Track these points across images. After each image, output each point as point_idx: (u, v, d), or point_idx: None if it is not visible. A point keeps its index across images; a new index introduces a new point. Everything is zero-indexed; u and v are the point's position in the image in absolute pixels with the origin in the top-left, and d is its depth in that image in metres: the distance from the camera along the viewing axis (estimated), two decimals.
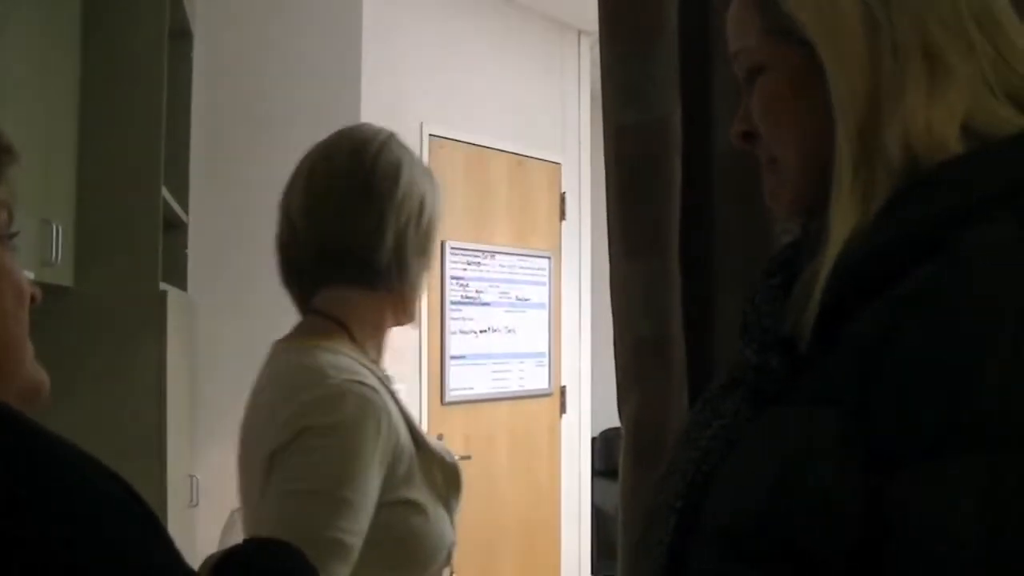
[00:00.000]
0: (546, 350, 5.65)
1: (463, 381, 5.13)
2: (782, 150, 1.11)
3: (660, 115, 1.77)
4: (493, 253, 5.30)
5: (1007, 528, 0.81)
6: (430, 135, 4.91)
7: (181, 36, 3.89)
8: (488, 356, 5.29)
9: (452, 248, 5.04)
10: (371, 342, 1.86)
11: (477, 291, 5.22)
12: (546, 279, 5.64)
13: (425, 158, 4.83)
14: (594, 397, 5.96)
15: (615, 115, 1.83)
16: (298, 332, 1.86)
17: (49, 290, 2.80)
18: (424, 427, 4.71)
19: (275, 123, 4.27)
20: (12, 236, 1.10)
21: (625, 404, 1.83)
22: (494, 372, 5.33)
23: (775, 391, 1.01)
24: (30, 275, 2.67)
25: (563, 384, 5.76)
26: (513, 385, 5.44)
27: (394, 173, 1.81)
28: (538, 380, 5.60)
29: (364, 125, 1.91)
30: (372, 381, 1.69)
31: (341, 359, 1.72)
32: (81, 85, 3.22)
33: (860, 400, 0.90)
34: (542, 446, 5.63)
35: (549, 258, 5.65)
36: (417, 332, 4.80)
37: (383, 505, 1.62)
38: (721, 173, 1.77)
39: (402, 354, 4.71)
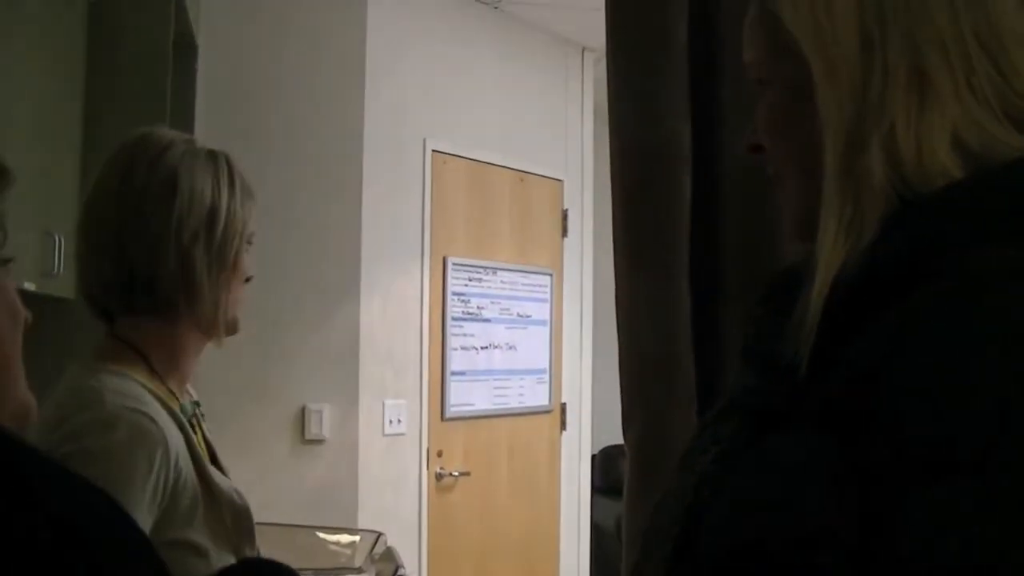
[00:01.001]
0: (547, 367, 5.64)
1: (463, 397, 5.11)
2: (783, 165, 1.10)
3: (668, 131, 1.76)
4: (495, 269, 5.29)
5: (994, 555, 0.79)
6: (433, 151, 4.91)
7: (186, 49, 3.88)
8: (489, 372, 5.28)
9: (454, 264, 5.03)
10: (172, 372, 1.75)
11: (478, 307, 5.20)
12: (547, 296, 5.63)
13: (428, 174, 4.84)
14: (595, 414, 5.94)
15: (623, 131, 1.82)
16: (93, 354, 1.73)
17: (50, 302, 2.80)
18: (424, 443, 4.74)
19: (277, 138, 4.26)
20: (6, 261, 1.09)
21: (630, 424, 1.81)
22: (495, 388, 5.31)
23: (775, 416, 1.00)
24: (31, 287, 2.67)
25: (563, 401, 5.75)
26: (513, 401, 5.42)
27: (166, 189, 1.68)
28: (538, 397, 5.59)
29: (145, 135, 1.77)
30: (156, 412, 1.60)
31: (127, 385, 1.62)
32: (85, 95, 3.22)
33: (856, 425, 0.88)
34: (542, 463, 5.61)
35: (551, 275, 5.64)
36: (418, 348, 4.80)
37: (157, 545, 1.43)
38: (730, 190, 1.76)
39: (403, 369, 4.71)
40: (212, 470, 1.69)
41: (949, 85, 0.97)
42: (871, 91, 0.98)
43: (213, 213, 1.71)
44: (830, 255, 0.97)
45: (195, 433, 1.74)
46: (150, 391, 1.64)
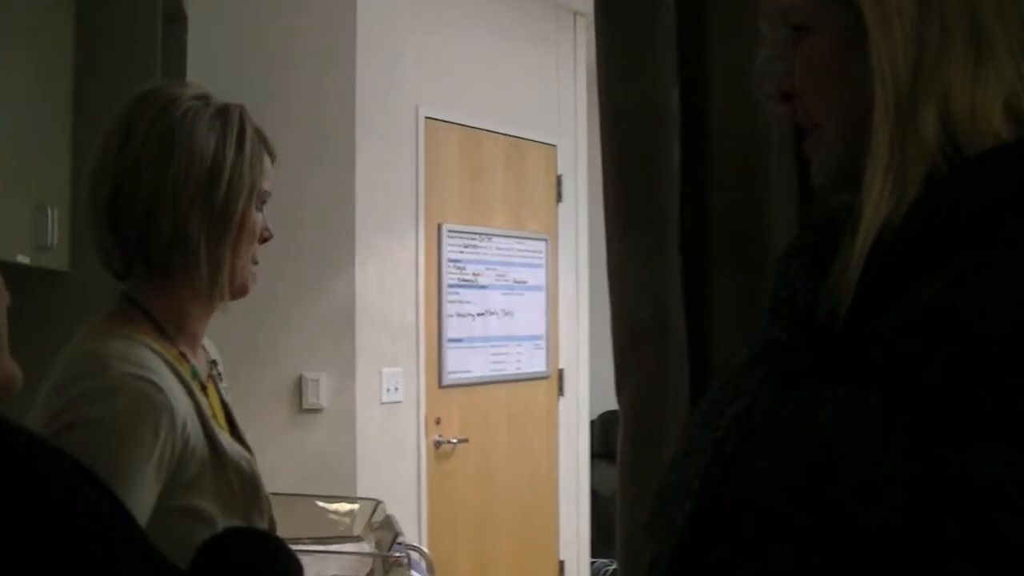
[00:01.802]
0: (543, 333, 5.64)
1: (460, 364, 5.12)
2: (822, 116, 1.09)
3: (658, 94, 1.76)
4: (490, 236, 5.29)
5: None
6: (426, 117, 4.90)
7: (175, 20, 3.87)
8: (485, 339, 5.29)
9: (448, 231, 5.03)
10: (181, 334, 1.71)
11: (474, 274, 5.21)
12: (543, 261, 5.63)
13: (421, 141, 4.82)
14: (592, 380, 5.96)
15: (611, 95, 1.82)
16: (104, 314, 1.70)
17: (44, 275, 2.81)
18: (421, 411, 4.75)
19: (269, 108, 4.23)
20: None
21: (623, 386, 1.82)
22: (491, 355, 5.32)
23: (804, 369, 0.99)
24: (25, 260, 2.67)
25: (561, 367, 5.76)
26: (510, 368, 5.44)
27: (162, 150, 1.62)
28: (536, 363, 5.60)
29: (149, 93, 1.71)
30: (162, 377, 1.56)
31: (134, 349, 1.57)
32: (75, 68, 3.20)
33: (908, 377, 0.88)
34: (540, 429, 5.63)
35: (546, 240, 5.64)
36: (414, 315, 4.80)
37: (163, 511, 1.51)
38: (718, 153, 1.77)
39: (399, 337, 4.72)
40: (221, 435, 1.66)
41: (1004, 47, 0.97)
42: (928, 47, 0.98)
43: (215, 173, 1.64)
44: (875, 208, 0.97)
45: (207, 395, 1.71)
46: (158, 354, 1.60)
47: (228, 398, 1.86)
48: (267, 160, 1.76)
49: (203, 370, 1.77)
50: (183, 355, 1.70)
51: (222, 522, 1.57)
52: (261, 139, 1.75)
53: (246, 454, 1.71)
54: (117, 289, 1.72)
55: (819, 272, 1.03)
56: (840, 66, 1.06)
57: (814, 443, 0.92)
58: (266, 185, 1.74)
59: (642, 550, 1.14)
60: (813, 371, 0.98)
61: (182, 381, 1.62)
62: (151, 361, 1.57)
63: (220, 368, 1.87)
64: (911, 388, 0.88)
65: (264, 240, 1.76)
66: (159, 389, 1.52)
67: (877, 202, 0.97)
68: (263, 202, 1.75)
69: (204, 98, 1.70)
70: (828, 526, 0.88)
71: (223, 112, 1.70)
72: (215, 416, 1.70)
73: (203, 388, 1.71)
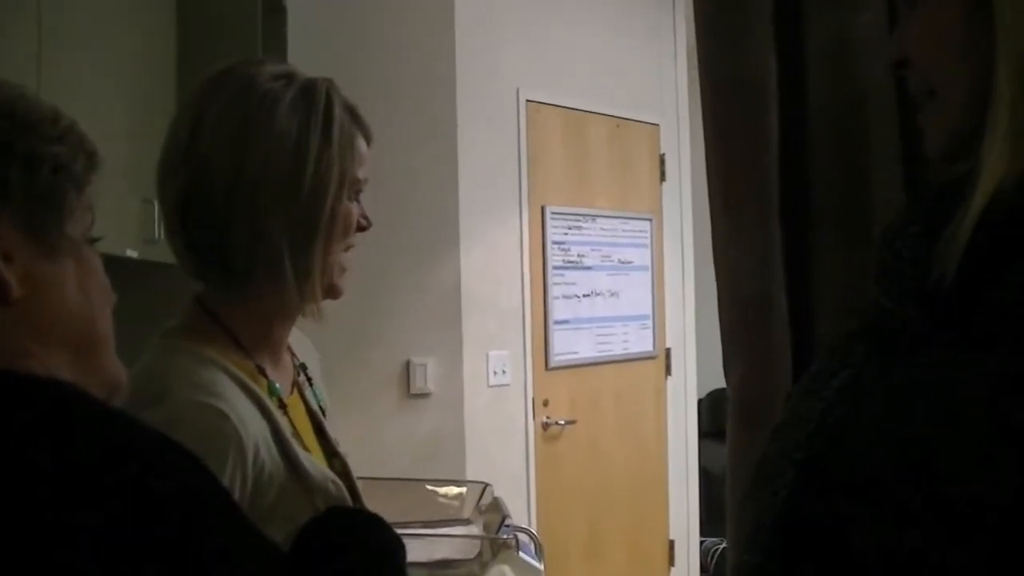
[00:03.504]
0: (650, 312, 5.61)
1: (567, 346, 5.12)
2: (942, 83, 1.06)
3: (757, 69, 1.74)
4: (594, 216, 5.27)
5: None
6: (527, 100, 4.89)
7: (276, 11, 3.92)
8: (591, 320, 5.27)
9: (552, 213, 5.02)
10: (260, 346, 1.54)
11: (579, 255, 5.19)
12: (647, 241, 5.60)
13: (522, 124, 4.82)
14: (699, 358, 5.91)
15: (712, 70, 1.80)
16: (179, 324, 1.53)
17: (151, 267, 2.86)
18: (529, 393, 4.76)
19: (370, 96, 4.26)
20: (95, 240, 1.13)
21: (731, 366, 1.80)
22: (598, 336, 5.31)
23: (912, 338, 0.97)
24: (134, 254, 2.72)
25: (668, 346, 5.72)
26: (617, 348, 5.42)
27: (237, 143, 1.43)
28: (643, 343, 5.57)
29: (222, 74, 1.51)
30: (232, 401, 1.38)
31: (200, 370, 1.40)
32: (178, 63, 3.26)
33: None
34: (648, 409, 5.61)
35: (650, 220, 5.60)
36: (520, 298, 4.81)
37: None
38: (817, 126, 1.74)
39: (505, 320, 4.73)
40: (304, 457, 1.48)
41: None
42: None
43: (298, 165, 1.44)
44: (991, 175, 0.94)
45: (287, 412, 1.55)
46: (229, 373, 1.43)
47: (323, 402, 1.71)
48: (360, 143, 1.55)
49: (286, 381, 1.61)
50: (261, 369, 1.53)
51: None
52: (354, 119, 1.54)
53: (332, 475, 1.52)
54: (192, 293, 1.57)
55: (928, 243, 1.01)
56: (963, 31, 1.03)
57: (925, 413, 0.90)
58: (360, 173, 1.54)
59: (743, 521, 1.13)
60: (921, 340, 0.96)
61: (257, 402, 1.45)
62: (219, 383, 1.40)
63: (313, 370, 1.73)
64: None
65: (361, 229, 1.57)
66: (225, 417, 1.35)
67: (994, 169, 0.94)
68: (358, 191, 1.56)
69: (286, 77, 1.50)
70: (940, 499, 0.86)
71: (307, 91, 1.49)
72: (298, 433, 1.55)
73: (282, 405, 1.54)
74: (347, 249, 1.56)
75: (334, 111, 1.50)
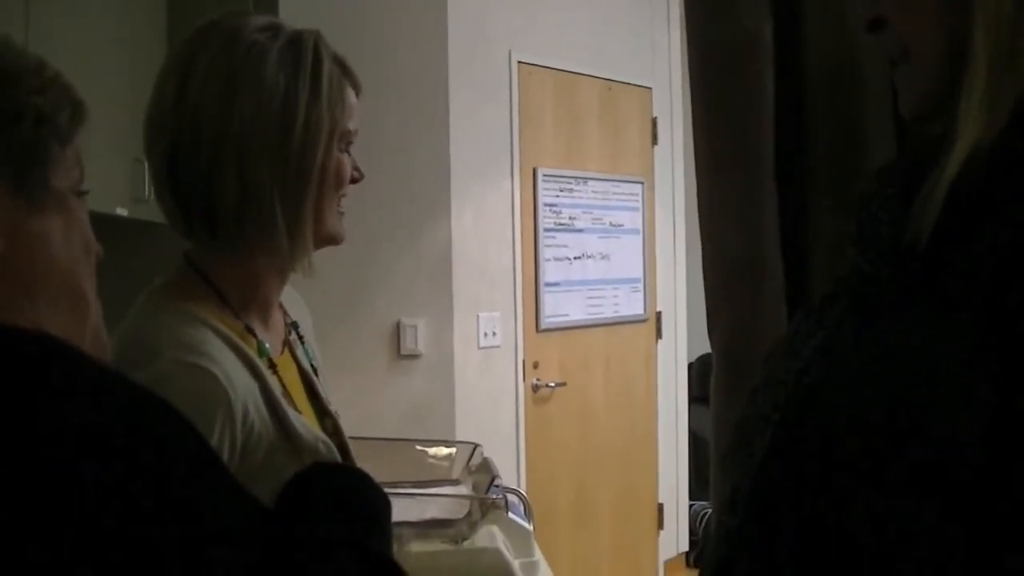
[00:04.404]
0: (641, 276, 5.62)
1: (558, 308, 5.12)
2: (917, 43, 1.04)
3: (750, 29, 1.73)
4: (585, 179, 5.26)
5: None
6: (518, 62, 4.87)
7: None
8: (582, 283, 5.28)
9: (544, 175, 5.02)
10: (250, 305, 1.53)
11: (570, 217, 5.19)
12: (639, 204, 5.60)
13: (514, 85, 4.80)
14: (690, 322, 5.93)
15: (701, 31, 1.79)
16: (168, 282, 1.51)
17: (140, 226, 2.86)
18: (519, 355, 4.77)
19: (361, 56, 4.24)
20: (83, 193, 1.12)
21: (715, 328, 1.79)
22: (589, 299, 5.31)
23: (888, 299, 0.97)
24: (123, 212, 2.72)
25: (659, 310, 5.74)
26: (608, 311, 5.43)
27: (224, 97, 1.42)
28: (633, 306, 5.58)
29: (208, 27, 1.48)
30: (221, 361, 1.37)
31: (189, 329, 1.39)
32: (168, 21, 3.25)
33: (995, 301, 0.85)
34: (638, 372, 5.62)
35: (642, 183, 5.60)
36: (511, 260, 4.81)
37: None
38: (814, 88, 1.73)
39: (496, 282, 4.73)
40: (295, 418, 1.47)
41: None
42: None
43: (286, 117, 1.43)
44: (967, 137, 0.94)
45: (277, 372, 1.53)
46: (217, 332, 1.42)
47: (315, 361, 1.70)
48: (350, 95, 1.54)
49: (277, 341, 1.60)
50: (250, 329, 1.52)
51: None
52: (343, 70, 1.53)
53: (323, 436, 1.51)
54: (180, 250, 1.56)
55: (904, 205, 1.01)
56: None
57: (899, 371, 0.90)
58: (350, 124, 1.53)
59: (722, 483, 1.13)
60: (897, 301, 0.96)
61: (247, 361, 1.43)
62: (208, 342, 1.39)
63: (305, 328, 1.72)
64: (999, 313, 0.85)
65: (354, 181, 1.56)
66: (213, 377, 1.35)
67: (971, 131, 0.94)
68: (348, 143, 1.54)
69: (273, 28, 1.48)
70: (914, 460, 0.86)
71: (295, 43, 1.47)
72: (288, 393, 1.54)
73: (272, 365, 1.52)
74: (334, 208, 1.55)
75: (323, 62, 1.49)
